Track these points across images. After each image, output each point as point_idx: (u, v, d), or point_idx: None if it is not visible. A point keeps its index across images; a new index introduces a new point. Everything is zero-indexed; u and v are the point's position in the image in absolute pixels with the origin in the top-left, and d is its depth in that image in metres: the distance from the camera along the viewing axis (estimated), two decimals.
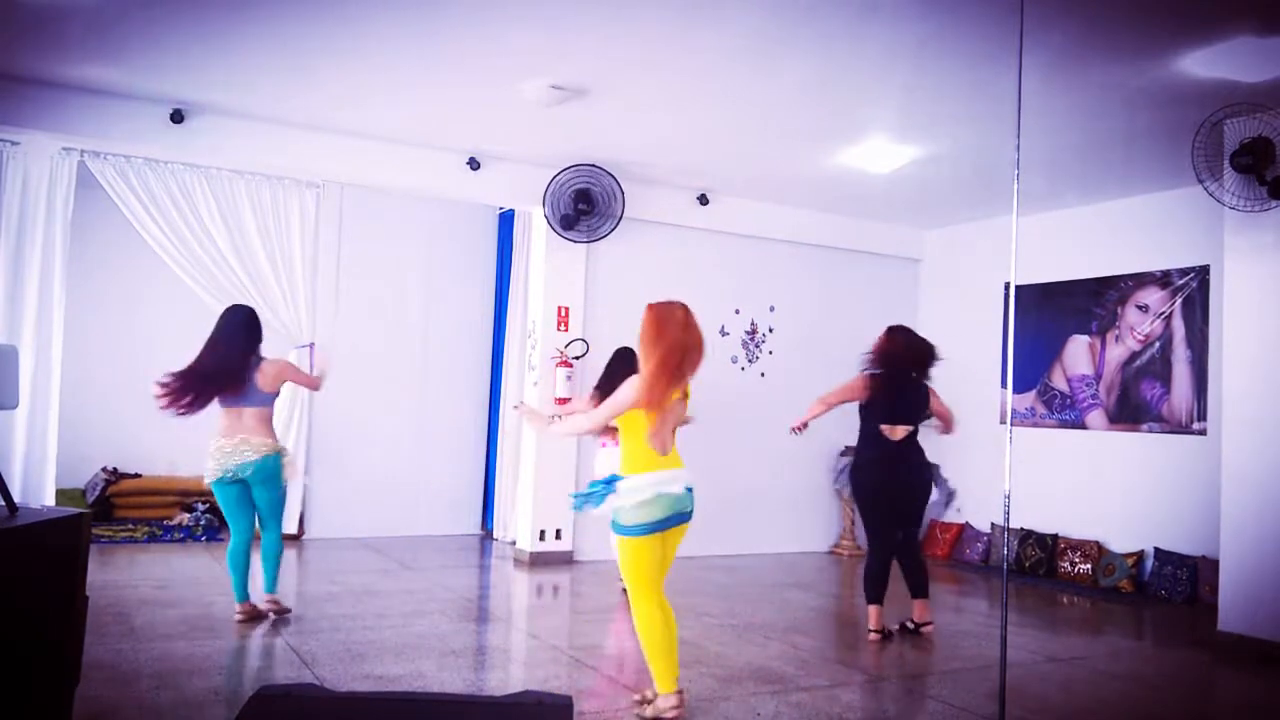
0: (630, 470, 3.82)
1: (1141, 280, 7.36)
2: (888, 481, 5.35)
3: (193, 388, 4.97)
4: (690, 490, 3.86)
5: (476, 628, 5.41)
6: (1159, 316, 7.23)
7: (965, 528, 8.33)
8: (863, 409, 5.44)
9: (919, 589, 5.49)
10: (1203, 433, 6.84)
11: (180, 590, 5.87)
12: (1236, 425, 5.55)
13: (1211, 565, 6.31)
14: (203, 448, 5.19)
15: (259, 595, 5.31)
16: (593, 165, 7.31)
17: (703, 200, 8.09)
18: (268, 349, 5.33)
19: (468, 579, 6.96)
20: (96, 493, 8.35)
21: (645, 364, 3.82)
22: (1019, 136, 3.58)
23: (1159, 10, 4.29)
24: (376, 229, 8.61)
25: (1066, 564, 7.46)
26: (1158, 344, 7.24)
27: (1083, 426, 7.70)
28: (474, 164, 7.20)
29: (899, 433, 5.32)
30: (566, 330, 7.61)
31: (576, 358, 7.58)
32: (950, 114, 5.82)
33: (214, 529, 8.15)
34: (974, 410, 7.71)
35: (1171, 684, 4.90)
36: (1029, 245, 7.53)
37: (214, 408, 5.12)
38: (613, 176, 7.36)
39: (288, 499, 5.53)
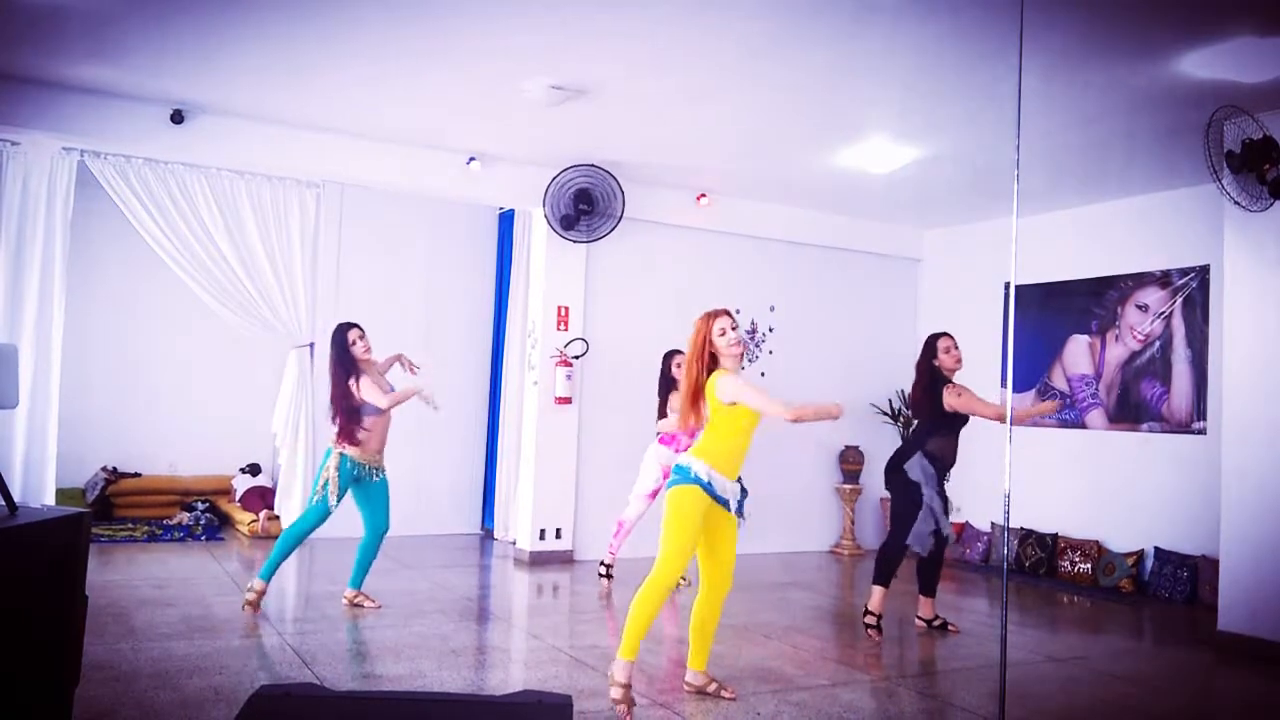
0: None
1: (1141, 280, 7.36)
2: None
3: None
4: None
5: (476, 627, 5.41)
6: (1159, 316, 7.23)
7: (965, 527, 8.33)
8: (951, 416, 5.60)
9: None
10: (1203, 432, 6.84)
11: (180, 590, 5.87)
12: (1236, 425, 5.55)
13: (1211, 565, 6.31)
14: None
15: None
16: (593, 165, 7.30)
17: (702, 200, 8.09)
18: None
19: (468, 578, 6.96)
20: (96, 492, 8.35)
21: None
22: (1019, 136, 3.58)
23: (1159, 10, 4.29)
24: (376, 229, 8.61)
25: (1066, 564, 7.46)
26: (1158, 344, 7.23)
27: (1083, 426, 7.69)
28: (473, 163, 7.21)
29: None
30: (566, 330, 7.61)
31: (576, 357, 7.58)
32: (950, 114, 5.82)
33: (213, 528, 8.16)
34: None
35: (1171, 684, 4.89)
36: (1029, 245, 7.52)
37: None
38: (613, 176, 7.36)
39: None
